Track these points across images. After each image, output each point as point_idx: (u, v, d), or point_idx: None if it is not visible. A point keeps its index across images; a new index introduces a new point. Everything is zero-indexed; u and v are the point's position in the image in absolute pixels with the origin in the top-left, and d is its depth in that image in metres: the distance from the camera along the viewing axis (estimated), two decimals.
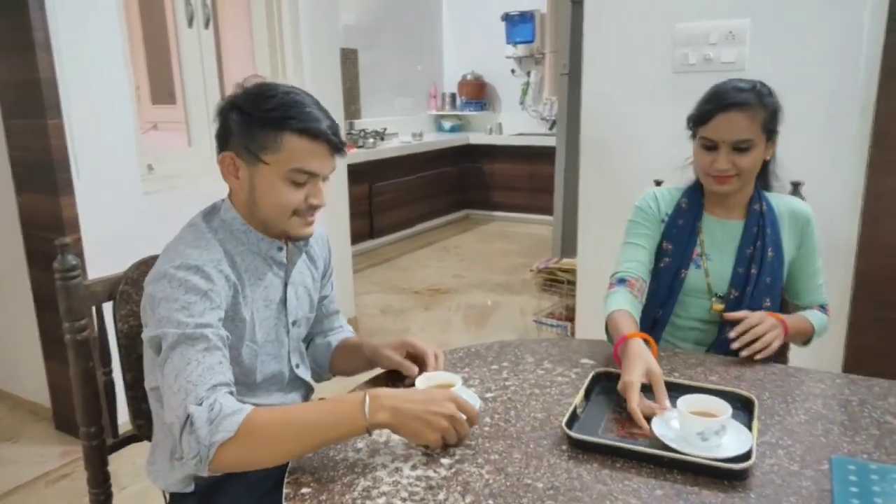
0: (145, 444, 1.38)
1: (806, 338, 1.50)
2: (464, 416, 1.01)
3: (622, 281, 1.49)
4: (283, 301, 1.27)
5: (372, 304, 4.08)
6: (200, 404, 0.97)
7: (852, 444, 1.04)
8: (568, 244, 3.89)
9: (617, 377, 1.18)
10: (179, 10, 2.88)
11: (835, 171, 2.13)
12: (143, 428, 1.38)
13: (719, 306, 1.51)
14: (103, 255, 2.32)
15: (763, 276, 1.47)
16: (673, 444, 0.99)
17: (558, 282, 3.18)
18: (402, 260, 5.18)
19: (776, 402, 1.19)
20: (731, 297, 1.49)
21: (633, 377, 1.12)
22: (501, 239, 5.81)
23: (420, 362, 1.27)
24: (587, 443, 1.03)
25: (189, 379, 1.00)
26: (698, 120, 1.46)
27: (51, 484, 2.30)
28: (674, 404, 1.06)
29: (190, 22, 2.92)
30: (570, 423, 1.06)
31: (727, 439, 1.00)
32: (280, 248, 1.23)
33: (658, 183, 1.84)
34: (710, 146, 1.43)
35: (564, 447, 1.04)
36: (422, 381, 1.15)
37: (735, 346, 1.35)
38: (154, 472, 1.26)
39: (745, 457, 0.96)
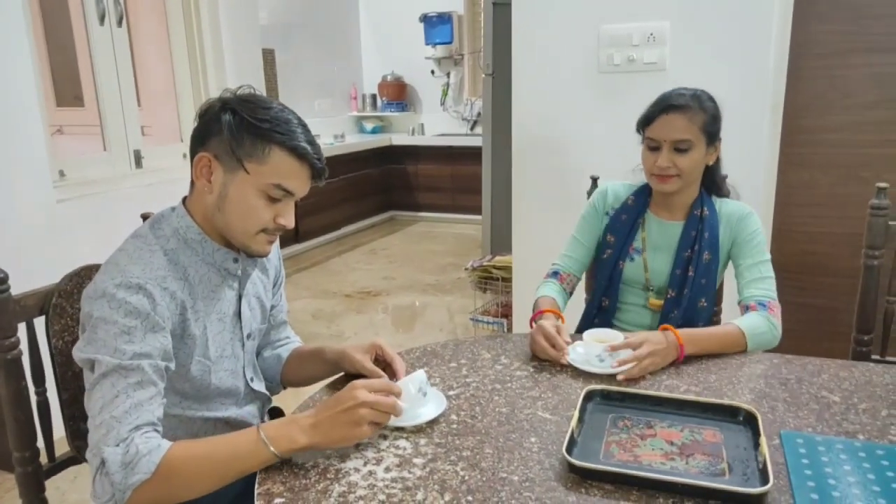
0: (78, 468, 1.31)
1: (738, 347, 1.38)
2: (378, 397, 1.01)
3: (555, 274, 1.69)
4: (238, 314, 1.23)
5: (302, 310, 3.99)
6: (117, 445, 0.94)
7: (797, 419, 1.11)
8: (498, 242, 3.94)
9: (608, 394, 1.17)
10: (90, 8, 2.73)
11: (751, 165, 2.26)
12: (83, 449, 1.28)
13: (657, 301, 1.61)
14: (15, 267, 2.16)
15: (699, 278, 1.55)
16: (579, 365, 1.30)
17: (493, 279, 3.22)
18: (331, 263, 5.10)
19: (723, 383, 1.25)
20: (669, 297, 1.58)
21: (543, 323, 1.38)
22: (428, 239, 5.82)
23: (388, 367, 1.26)
24: (594, 471, 0.95)
25: (114, 415, 0.97)
26: (644, 122, 1.54)
27: None
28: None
29: (101, 20, 2.77)
30: (569, 449, 0.98)
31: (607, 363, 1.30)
32: (235, 260, 1.19)
33: (594, 179, 1.90)
34: (654, 146, 1.52)
35: (534, 439, 1.06)
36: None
37: (620, 377, 1.26)
38: None
39: (763, 481, 0.90)
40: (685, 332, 1.34)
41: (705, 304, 1.57)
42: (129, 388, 0.99)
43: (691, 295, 1.55)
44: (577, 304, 1.74)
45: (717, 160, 1.59)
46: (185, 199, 1.19)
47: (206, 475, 0.97)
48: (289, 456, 1.00)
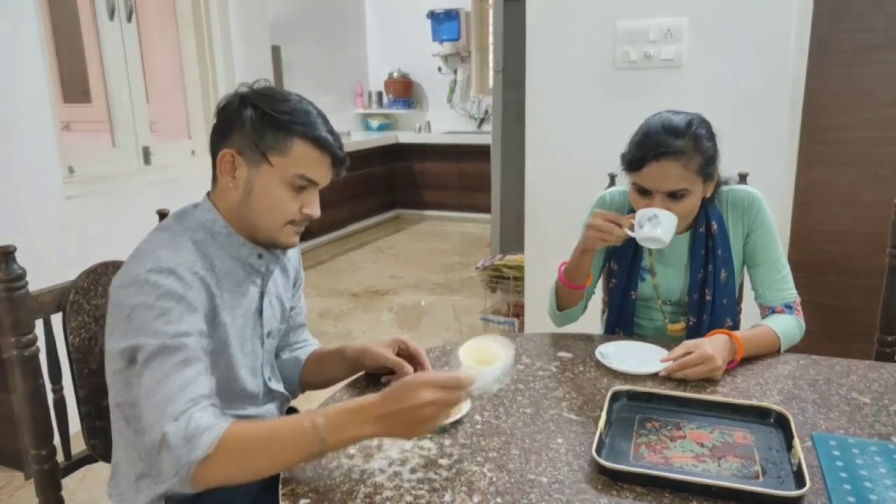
0: (88, 467, 1.30)
1: (773, 350, 1.37)
2: (446, 394, 0.93)
3: None
4: (259, 311, 1.21)
5: (310, 308, 3.95)
6: (177, 420, 0.92)
7: (828, 421, 1.09)
8: (507, 241, 3.92)
9: (635, 394, 1.15)
10: (100, 3, 2.70)
11: (769, 163, 2.24)
12: (98, 448, 1.28)
13: (676, 326, 1.51)
14: (26, 263, 2.15)
15: (719, 300, 1.44)
16: (616, 366, 1.28)
17: (504, 278, 3.20)
18: (337, 262, 5.08)
19: (750, 384, 1.23)
20: (691, 324, 1.47)
21: (598, 210, 1.39)
22: (434, 238, 5.80)
23: (413, 362, 1.25)
24: (625, 473, 0.93)
25: (167, 393, 0.95)
26: (630, 166, 1.36)
27: None
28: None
29: (111, 15, 2.75)
30: (598, 451, 0.97)
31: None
32: (260, 256, 1.18)
33: (612, 177, 1.87)
34: (644, 192, 1.36)
35: (561, 440, 1.04)
36: (465, 354, 1.08)
37: (662, 373, 1.25)
38: (117, 495, 1.17)
39: (799, 484, 0.89)
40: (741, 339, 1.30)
41: (730, 325, 1.47)
42: (176, 366, 0.97)
43: (712, 319, 1.45)
44: (592, 324, 1.68)
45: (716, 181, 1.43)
46: (208, 194, 1.18)
47: (268, 455, 0.93)
48: (347, 445, 0.98)
